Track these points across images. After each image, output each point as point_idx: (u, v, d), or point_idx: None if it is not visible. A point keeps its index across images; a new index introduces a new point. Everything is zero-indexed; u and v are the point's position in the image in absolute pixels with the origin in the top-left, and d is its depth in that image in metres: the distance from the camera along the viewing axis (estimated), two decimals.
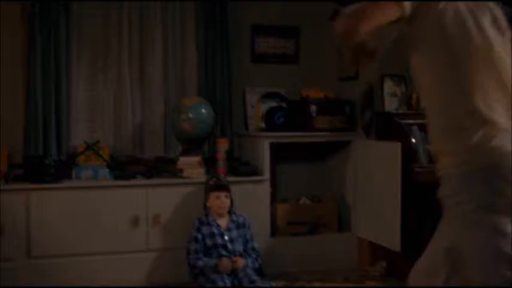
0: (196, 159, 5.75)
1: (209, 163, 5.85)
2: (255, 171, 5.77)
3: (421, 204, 5.10)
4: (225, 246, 5.08)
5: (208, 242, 5.09)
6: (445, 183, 2.64)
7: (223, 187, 5.25)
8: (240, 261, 5.02)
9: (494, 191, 2.47)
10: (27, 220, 5.17)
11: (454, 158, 2.58)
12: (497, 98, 2.56)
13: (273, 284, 5.07)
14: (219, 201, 5.20)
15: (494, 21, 2.62)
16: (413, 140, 5.28)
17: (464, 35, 2.56)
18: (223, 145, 5.83)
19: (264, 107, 6.03)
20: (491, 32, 2.59)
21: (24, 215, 5.17)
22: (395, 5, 2.52)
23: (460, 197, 2.53)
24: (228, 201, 5.23)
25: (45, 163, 5.40)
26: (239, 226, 5.22)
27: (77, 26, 5.92)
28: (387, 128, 5.57)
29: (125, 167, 5.70)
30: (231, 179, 5.51)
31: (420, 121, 5.16)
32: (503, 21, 2.66)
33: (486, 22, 2.59)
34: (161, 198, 5.47)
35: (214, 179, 5.35)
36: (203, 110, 5.78)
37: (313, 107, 5.84)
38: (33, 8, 5.67)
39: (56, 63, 5.73)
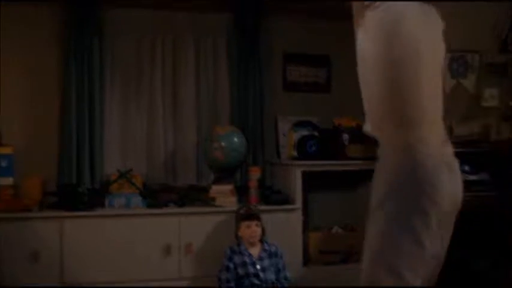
0: (228, 187, 5.76)
1: (241, 191, 5.86)
2: (287, 200, 5.76)
3: (454, 234, 5.04)
4: (257, 276, 5.06)
5: (240, 271, 5.07)
6: None
7: (253, 216, 5.25)
8: None
9: None
10: (61, 247, 5.21)
11: None
12: None
13: None
14: (250, 230, 5.19)
15: None
16: None
17: None
18: (255, 173, 5.83)
19: (296, 136, 6.02)
20: None
21: (58, 242, 5.20)
22: None
23: None
24: (258, 230, 5.22)
25: (79, 191, 5.46)
26: (271, 255, 5.20)
27: (109, 52, 5.99)
28: None
29: (157, 195, 5.73)
30: (263, 207, 5.51)
31: (454, 150, 5.14)
32: None
33: None
34: (193, 227, 5.47)
35: (244, 208, 5.35)
36: (235, 139, 5.79)
37: (346, 136, 5.84)
38: (68, 33, 5.76)
39: (89, 91, 5.78)
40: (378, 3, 2.69)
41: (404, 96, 2.67)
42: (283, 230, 5.58)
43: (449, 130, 5.58)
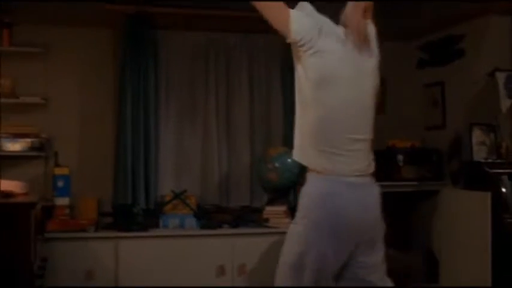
0: (282, 208, 5.75)
1: (295, 212, 5.82)
2: None
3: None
4: None
5: None
6: None
7: None
8: None
9: None
10: (116, 267, 5.25)
11: None
12: None
13: None
14: None
15: None
16: (504, 190, 5.16)
17: None
18: None
19: None
20: None
21: (112, 262, 5.25)
22: None
23: None
24: None
25: (134, 212, 5.51)
26: None
27: (164, 73, 6.04)
28: (476, 177, 5.46)
29: (211, 216, 5.74)
30: None
31: (510, 170, 5.07)
32: None
33: None
34: (247, 248, 5.47)
35: None
36: (288, 160, 5.78)
37: (400, 157, 5.80)
38: (123, 55, 5.83)
39: (144, 112, 5.83)
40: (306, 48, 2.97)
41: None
42: None
43: (506, 150, 5.51)
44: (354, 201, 3.00)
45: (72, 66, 5.89)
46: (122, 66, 5.84)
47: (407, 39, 6.47)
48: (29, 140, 5.68)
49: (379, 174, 5.74)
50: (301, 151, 3.11)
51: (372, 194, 3.16)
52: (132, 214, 5.53)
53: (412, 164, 5.84)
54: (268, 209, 5.77)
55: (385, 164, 5.85)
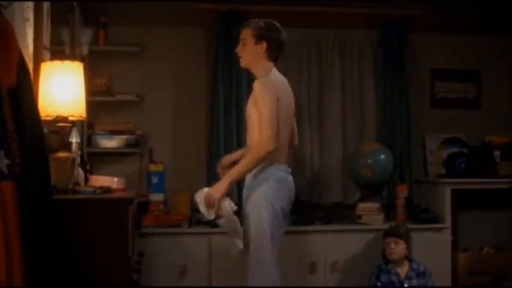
0: (375, 205, 5.70)
1: (388, 209, 5.78)
2: (436, 219, 5.64)
3: None
4: None
5: None
6: None
7: (391, 233, 5.16)
8: None
9: None
10: (209, 262, 5.31)
11: None
12: None
13: None
14: (388, 247, 5.11)
15: None
16: None
17: None
18: (402, 191, 5.75)
19: (444, 153, 5.90)
20: None
21: (206, 257, 5.31)
22: None
23: None
24: (397, 248, 5.09)
25: None
26: (419, 275, 5.08)
27: None
28: None
29: (303, 212, 5.73)
30: (410, 226, 5.41)
31: None
32: None
33: None
34: (339, 245, 5.45)
35: (389, 225, 5.29)
36: (382, 156, 5.73)
37: (497, 153, 5.67)
38: (216, 51, 5.87)
39: (237, 108, 5.86)
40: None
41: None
42: (431, 249, 5.46)
43: None
44: None
45: (166, 64, 5.98)
46: (214, 64, 5.89)
47: (504, 32, 6.29)
48: (124, 137, 5.80)
49: (475, 171, 5.68)
50: None
51: None
52: None
53: (509, 160, 5.74)
54: (361, 205, 5.73)
55: (481, 161, 5.74)
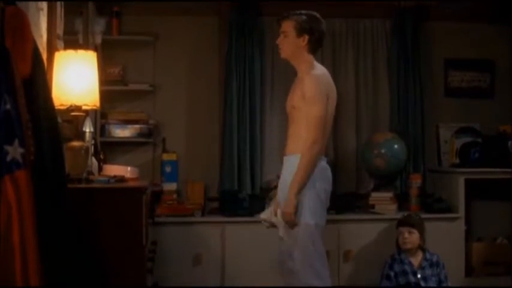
0: (388, 195, 5.70)
1: (401, 199, 5.77)
2: (449, 208, 5.63)
3: None
4: (418, 285, 4.97)
5: (401, 280, 5.00)
6: None
7: (404, 222, 5.15)
8: None
9: None
10: (222, 251, 5.33)
11: None
12: None
13: None
14: (401, 237, 5.11)
15: None
16: None
17: None
18: (415, 181, 5.74)
19: (458, 142, 5.88)
20: None
21: (219, 246, 5.34)
22: None
23: None
24: (410, 238, 5.09)
25: (240, 197, 5.57)
26: (432, 265, 5.08)
27: (270, 61, 6.03)
28: None
29: None
30: (424, 215, 5.41)
31: None
32: None
33: None
34: (352, 234, 5.46)
35: (403, 215, 5.28)
36: (396, 146, 5.72)
37: (511, 142, 5.64)
38: (230, 43, 5.87)
39: (250, 98, 5.87)
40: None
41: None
42: (444, 239, 5.47)
43: None
44: None
45: (180, 54, 5.98)
46: (228, 53, 5.88)
47: None
48: (137, 126, 5.81)
49: (489, 161, 5.66)
50: None
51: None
52: (238, 199, 5.59)
53: None
54: (374, 195, 5.73)
55: (495, 151, 5.71)
